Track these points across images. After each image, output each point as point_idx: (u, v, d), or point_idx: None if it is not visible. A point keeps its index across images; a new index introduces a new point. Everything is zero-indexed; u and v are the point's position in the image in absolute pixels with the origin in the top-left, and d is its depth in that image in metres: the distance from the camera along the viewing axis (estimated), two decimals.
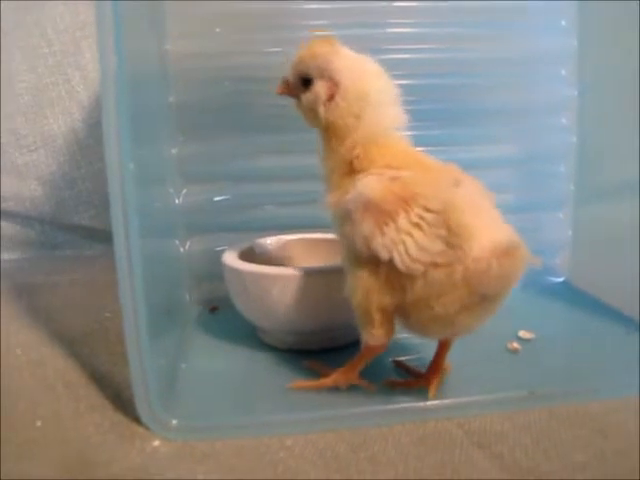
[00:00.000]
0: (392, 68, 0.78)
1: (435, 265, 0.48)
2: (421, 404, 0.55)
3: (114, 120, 0.48)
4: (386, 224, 0.50)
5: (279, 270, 0.65)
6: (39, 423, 0.55)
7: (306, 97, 0.57)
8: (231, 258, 0.69)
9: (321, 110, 0.55)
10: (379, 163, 0.54)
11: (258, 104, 0.78)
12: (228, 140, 0.79)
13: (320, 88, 0.55)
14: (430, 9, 0.80)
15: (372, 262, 0.51)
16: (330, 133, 0.56)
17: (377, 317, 0.52)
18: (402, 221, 0.49)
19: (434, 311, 0.50)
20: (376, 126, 0.55)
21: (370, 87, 0.55)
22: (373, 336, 0.54)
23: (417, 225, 0.49)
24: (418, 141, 0.80)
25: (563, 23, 0.80)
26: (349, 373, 0.57)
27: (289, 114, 0.77)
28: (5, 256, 0.96)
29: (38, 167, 0.94)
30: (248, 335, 0.71)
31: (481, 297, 0.49)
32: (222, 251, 0.72)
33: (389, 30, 0.79)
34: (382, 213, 0.50)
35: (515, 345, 0.66)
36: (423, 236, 0.49)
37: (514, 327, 0.70)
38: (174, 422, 0.54)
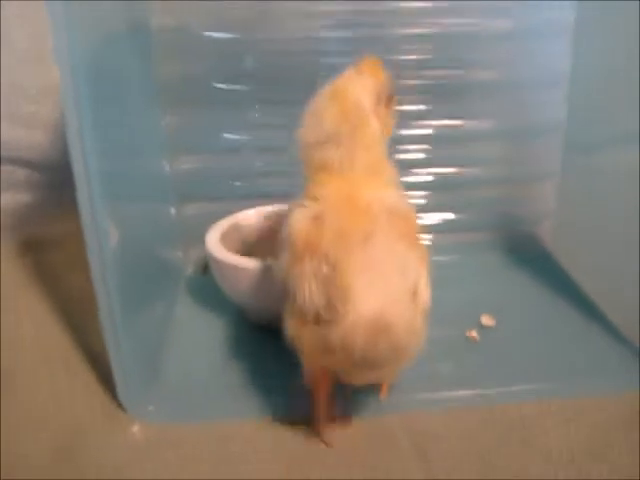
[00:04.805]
0: (385, 43, 0.79)
1: (320, 320, 0.49)
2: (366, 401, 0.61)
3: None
4: (297, 264, 0.51)
5: (246, 262, 0.68)
6: (38, 401, 0.63)
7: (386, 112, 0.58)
8: (212, 238, 0.72)
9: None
10: (322, 189, 0.55)
11: (247, 76, 0.79)
12: (218, 111, 0.80)
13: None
14: None
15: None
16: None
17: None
18: (306, 266, 0.50)
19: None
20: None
21: None
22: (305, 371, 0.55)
23: (315, 275, 0.49)
24: (407, 114, 0.82)
25: None
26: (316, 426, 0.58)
27: (277, 88, 0.80)
28: (17, 198, 1.01)
29: (43, 117, 0.96)
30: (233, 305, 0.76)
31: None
32: (216, 215, 0.76)
33: (382, 5, 0.77)
34: (295, 253, 0.52)
35: (474, 334, 0.70)
36: (316, 288, 0.49)
37: (480, 306, 0.74)
38: (150, 408, 0.61)
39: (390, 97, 0.58)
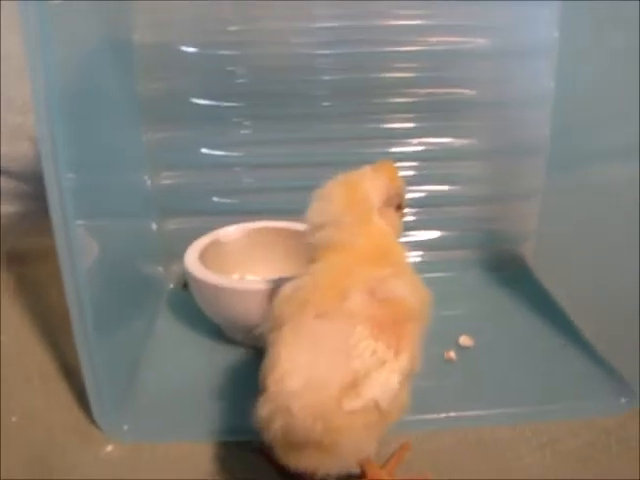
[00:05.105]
0: (371, 61, 0.79)
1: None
2: None
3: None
4: (270, 333, 0.50)
5: (225, 280, 0.69)
6: (14, 419, 0.63)
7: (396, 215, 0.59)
8: (191, 257, 0.72)
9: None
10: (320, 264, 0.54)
11: (228, 92, 0.79)
12: (199, 127, 0.81)
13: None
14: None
15: None
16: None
17: None
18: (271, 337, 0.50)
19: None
20: None
21: None
22: None
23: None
24: (392, 133, 0.83)
25: (546, 13, 0.77)
26: None
27: (259, 104, 0.80)
28: (4, 209, 1.02)
29: (29, 128, 0.96)
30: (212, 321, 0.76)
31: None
32: (197, 230, 0.77)
33: (366, 22, 0.78)
34: (271, 323, 0.51)
35: (451, 355, 0.70)
36: None
37: (460, 326, 0.74)
38: (125, 427, 0.61)
39: (400, 204, 0.58)
